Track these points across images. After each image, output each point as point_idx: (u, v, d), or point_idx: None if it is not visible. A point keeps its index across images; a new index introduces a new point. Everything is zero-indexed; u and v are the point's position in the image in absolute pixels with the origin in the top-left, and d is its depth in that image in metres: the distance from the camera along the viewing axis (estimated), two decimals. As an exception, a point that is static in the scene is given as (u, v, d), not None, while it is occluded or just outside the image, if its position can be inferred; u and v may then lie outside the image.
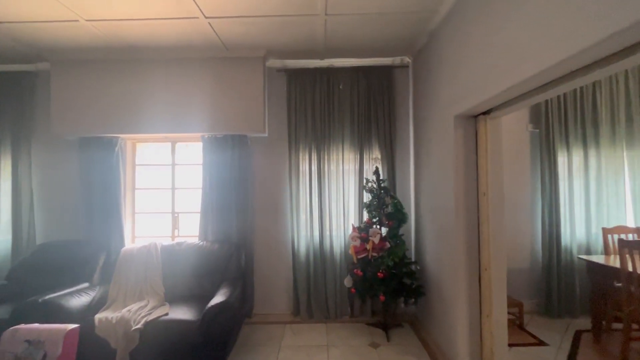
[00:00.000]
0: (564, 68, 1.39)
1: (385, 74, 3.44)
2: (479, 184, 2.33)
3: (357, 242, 3.03)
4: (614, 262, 2.73)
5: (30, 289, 2.79)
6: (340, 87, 3.44)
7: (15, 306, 2.45)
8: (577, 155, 3.44)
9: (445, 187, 2.54)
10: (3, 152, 3.43)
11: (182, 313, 2.52)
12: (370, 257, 2.98)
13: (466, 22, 2.17)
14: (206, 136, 3.32)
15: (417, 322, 3.28)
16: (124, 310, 2.57)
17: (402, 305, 3.41)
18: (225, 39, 2.98)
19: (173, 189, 3.63)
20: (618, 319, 2.68)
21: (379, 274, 2.87)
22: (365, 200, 3.36)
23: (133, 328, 2.34)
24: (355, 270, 3.03)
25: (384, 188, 3.11)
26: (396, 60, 3.47)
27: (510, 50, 1.67)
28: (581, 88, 3.42)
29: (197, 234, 3.36)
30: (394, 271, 2.93)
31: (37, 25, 2.69)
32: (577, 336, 2.96)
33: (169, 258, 3.09)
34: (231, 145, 3.31)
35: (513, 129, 3.56)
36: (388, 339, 2.97)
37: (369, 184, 3.16)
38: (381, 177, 3.22)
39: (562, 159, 3.43)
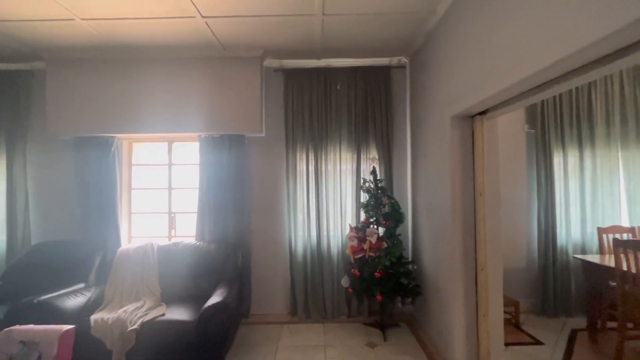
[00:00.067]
0: (559, 68, 1.40)
1: (382, 74, 3.45)
2: (475, 184, 2.34)
3: (355, 242, 3.03)
4: (609, 261, 2.75)
5: (25, 290, 2.76)
6: (338, 87, 3.44)
7: (9, 307, 2.43)
8: (573, 156, 3.46)
9: (442, 187, 2.55)
10: (-2, 151, 3.40)
11: (179, 313, 2.51)
12: (367, 257, 2.98)
13: (463, 22, 2.18)
14: (203, 136, 3.31)
15: (414, 322, 3.29)
16: (120, 310, 2.56)
17: (400, 305, 3.42)
18: (223, 38, 2.97)
19: (170, 189, 3.62)
20: (613, 318, 2.70)
21: (376, 273, 2.87)
22: (362, 200, 3.37)
23: (129, 329, 2.33)
24: (352, 270, 3.03)
25: (381, 188, 3.12)
26: (393, 60, 3.48)
27: (507, 50, 1.68)
28: (576, 89, 3.44)
29: (194, 234, 3.35)
30: (391, 271, 2.93)
31: (32, 23, 2.67)
32: (573, 335, 2.98)
33: (165, 258, 3.07)
34: (228, 145, 3.30)
35: (509, 130, 3.58)
36: (385, 339, 2.98)
37: (366, 184, 3.16)
38: (378, 177, 3.23)
39: (557, 160, 3.45)
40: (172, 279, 2.99)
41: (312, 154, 3.43)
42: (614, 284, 2.58)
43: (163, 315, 2.50)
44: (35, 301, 2.37)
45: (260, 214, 3.54)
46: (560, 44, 1.30)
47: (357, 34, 2.92)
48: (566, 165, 3.44)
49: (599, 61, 1.28)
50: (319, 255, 3.39)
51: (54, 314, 2.36)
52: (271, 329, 3.24)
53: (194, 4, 2.42)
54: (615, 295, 2.55)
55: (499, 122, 2.30)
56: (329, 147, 3.44)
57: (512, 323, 3.18)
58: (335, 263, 3.40)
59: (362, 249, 3.00)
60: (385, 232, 3.04)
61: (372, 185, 3.14)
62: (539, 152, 3.45)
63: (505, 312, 2.64)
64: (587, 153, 3.44)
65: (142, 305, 2.67)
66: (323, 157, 3.43)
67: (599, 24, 1.12)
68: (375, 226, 3.08)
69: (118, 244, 3.31)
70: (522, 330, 3.09)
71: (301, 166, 3.45)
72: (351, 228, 3.11)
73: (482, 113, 2.23)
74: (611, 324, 2.87)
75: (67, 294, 2.59)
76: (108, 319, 2.41)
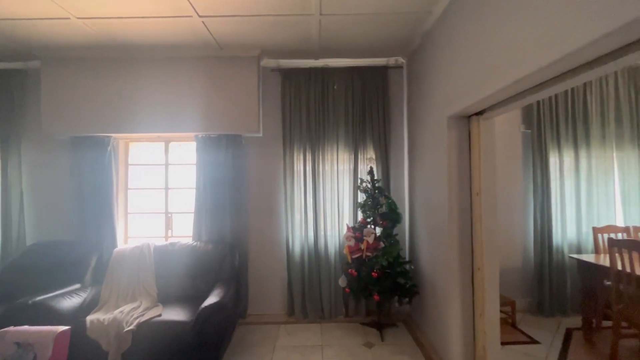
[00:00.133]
0: (555, 69, 1.41)
1: (379, 74, 3.45)
2: (472, 184, 2.35)
3: (352, 242, 3.03)
4: (604, 261, 2.77)
5: (20, 291, 2.74)
6: (335, 87, 3.44)
7: (4, 308, 2.41)
8: (568, 156, 3.49)
9: (439, 187, 2.56)
10: (-8, 151, 3.37)
11: (176, 314, 2.50)
12: (364, 256, 2.99)
13: (460, 23, 2.19)
14: (200, 136, 3.30)
15: (412, 322, 3.30)
16: (116, 311, 2.54)
17: (397, 304, 3.43)
18: (219, 38, 2.96)
19: (166, 189, 3.60)
20: (608, 317, 2.72)
21: (373, 273, 2.88)
22: (359, 200, 3.37)
23: (125, 329, 2.32)
24: (349, 270, 3.03)
25: (379, 188, 3.12)
26: (391, 60, 3.49)
27: (503, 51, 1.69)
28: (572, 89, 3.47)
29: (191, 234, 3.33)
30: (388, 271, 2.94)
31: (27, 22, 2.65)
32: (568, 334, 3.00)
33: (162, 258, 3.06)
34: (225, 145, 3.29)
35: (506, 130, 3.60)
36: (382, 339, 2.98)
37: (364, 184, 3.16)
38: (375, 177, 3.23)
39: (553, 160, 3.47)
40: (169, 280, 2.98)
41: (310, 154, 3.43)
42: (609, 283, 2.60)
43: (160, 315, 2.48)
44: (30, 302, 2.35)
45: (257, 214, 3.54)
46: (556, 45, 1.31)
47: (355, 34, 2.93)
48: (562, 166, 3.46)
49: (594, 62, 1.29)
50: (316, 255, 3.39)
51: (50, 315, 2.34)
52: (268, 329, 3.23)
53: (190, 4, 2.41)
54: (610, 295, 2.57)
55: (496, 123, 2.31)
56: (326, 147, 3.44)
57: (509, 322, 3.20)
58: (333, 263, 3.40)
59: (360, 249, 3.00)
60: (382, 232, 3.04)
61: (369, 185, 3.14)
62: (535, 153, 3.47)
63: (501, 312, 2.66)
64: (583, 153, 3.47)
65: (139, 306, 2.66)
66: (320, 157, 3.43)
67: (595, 25, 1.13)
68: (373, 226, 3.09)
69: (114, 244, 3.29)
70: (518, 330, 3.10)
71: (298, 166, 3.45)
72: (348, 228, 3.12)
73: (479, 113, 2.24)
74: (606, 323, 2.90)
75: (62, 295, 2.57)
76: (104, 319, 2.40)
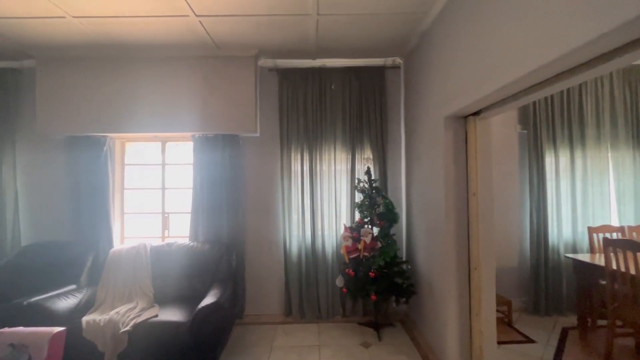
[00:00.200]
0: (552, 69, 1.41)
1: (377, 74, 3.46)
2: (468, 184, 2.35)
3: (349, 242, 3.03)
4: (599, 260, 2.79)
5: (15, 291, 2.71)
6: (332, 87, 3.44)
7: (-2, 309, 2.39)
8: (564, 156, 3.51)
9: (435, 187, 2.57)
10: (-14, 151, 3.34)
11: (172, 314, 2.49)
12: (361, 256, 2.99)
13: (456, 23, 2.19)
14: (197, 136, 3.29)
15: (409, 321, 3.31)
16: (112, 312, 2.53)
17: (394, 304, 3.43)
18: (217, 37, 2.95)
19: (163, 189, 3.59)
20: (603, 316, 2.74)
21: (370, 273, 2.88)
22: (357, 200, 3.38)
23: (121, 330, 2.30)
24: (347, 270, 3.03)
25: (376, 188, 3.13)
26: (388, 61, 3.49)
27: (500, 52, 1.70)
28: (568, 90, 3.49)
29: (188, 234, 3.32)
30: (385, 271, 2.95)
31: (21, 21, 2.63)
32: (564, 333, 3.02)
33: (158, 259, 3.04)
34: (222, 145, 3.28)
35: (502, 130, 3.61)
36: (380, 339, 2.99)
37: (361, 184, 3.17)
38: (373, 177, 3.24)
39: (549, 160, 3.50)
40: (166, 280, 2.96)
41: (307, 154, 3.43)
42: (604, 282, 2.62)
43: (156, 316, 2.47)
44: (25, 303, 2.33)
45: (254, 214, 3.53)
46: (552, 46, 1.32)
47: (352, 34, 2.93)
48: (558, 166, 3.49)
49: (590, 63, 1.30)
50: (313, 255, 3.39)
51: (45, 316, 2.32)
52: (265, 329, 3.23)
53: (187, 3, 2.41)
54: (605, 294, 2.59)
55: (492, 123, 2.32)
56: (323, 147, 3.44)
57: (505, 322, 3.22)
58: (330, 263, 3.40)
59: (357, 249, 3.01)
60: (379, 232, 3.05)
61: (366, 185, 3.15)
62: (531, 153, 3.49)
63: (498, 311, 2.67)
64: (578, 154, 3.50)
65: (135, 307, 2.64)
66: (318, 157, 3.43)
67: (591, 26, 1.14)
68: (370, 226, 3.09)
69: (110, 245, 3.27)
70: (515, 329, 3.12)
71: (296, 166, 3.44)
72: (346, 228, 3.12)
73: (476, 113, 2.25)
74: (601, 322, 2.92)
75: (58, 296, 2.55)
76: (100, 320, 2.39)
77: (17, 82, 3.38)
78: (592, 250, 3.20)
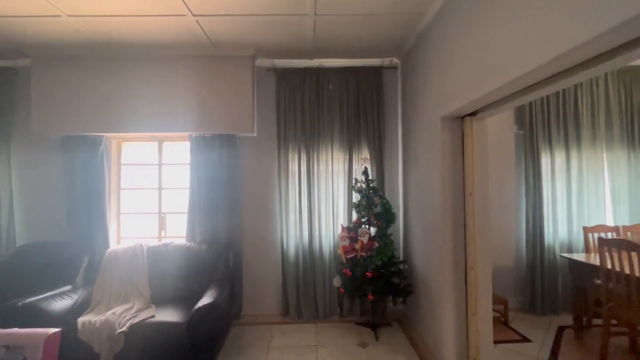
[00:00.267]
0: (548, 70, 1.42)
1: (374, 74, 3.46)
2: (465, 184, 2.36)
3: (346, 242, 3.04)
4: (594, 260, 2.81)
5: (10, 292, 2.69)
6: (330, 87, 3.44)
7: (-7, 310, 2.37)
8: (560, 157, 3.53)
9: (432, 187, 2.58)
10: (-20, 151, 3.30)
11: (169, 315, 2.48)
12: (359, 256, 2.99)
13: (454, 24, 2.20)
14: (194, 135, 3.28)
15: (406, 321, 3.32)
16: (108, 313, 2.52)
17: (391, 304, 3.43)
18: (214, 37, 2.95)
19: (160, 189, 3.57)
20: (598, 315, 2.76)
21: (367, 273, 2.89)
22: (354, 200, 3.38)
23: (118, 331, 2.29)
24: (344, 270, 3.03)
25: (373, 188, 3.13)
26: (385, 61, 3.50)
27: (497, 52, 1.70)
28: (563, 91, 3.52)
29: (185, 234, 3.31)
30: (382, 270, 2.95)
31: (16, 20, 2.60)
32: (560, 332, 3.04)
33: (155, 259, 3.03)
34: (219, 144, 3.28)
35: (498, 130, 3.63)
36: (377, 338, 2.99)
37: (358, 184, 3.17)
38: (370, 177, 3.24)
39: (545, 160, 3.52)
40: (162, 280, 2.95)
41: (304, 154, 3.42)
42: (599, 282, 2.64)
43: (153, 317, 2.46)
44: (20, 304, 2.31)
45: (252, 214, 3.52)
46: (548, 46, 1.33)
47: (349, 35, 2.93)
48: (553, 166, 3.51)
49: (586, 63, 1.31)
50: (311, 255, 3.39)
51: (40, 317, 2.31)
52: (263, 329, 3.22)
53: (184, 2, 2.40)
54: (600, 293, 2.61)
55: (489, 123, 2.33)
56: (321, 147, 3.44)
57: (501, 321, 3.23)
58: (327, 263, 3.41)
59: (354, 249, 3.01)
60: (376, 232, 3.05)
61: (363, 185, 3.15)
62: (527, 153, 3.52)
63: (494, 311, 2.68)
64: (574, 154, 3.52)
65: (131, 307, 2.63)
66: (315, 157, 3.43)
67: (586, 27, 1.15)
68: (367, 226, 3.10)
69: (106, 245, 3.25)
70: (511, 328, 3.14)
71: (293, 166, 3.44)
72: (343, 228, 3.12)
73: (472, 114, 2.26)
74: (596, 321, 2.94)
75: (53, 297, 2.54)
76: (96, 321, 2.37)
77: (12, 81, 3.34)
78: (587, 249, 3.22)
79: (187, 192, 3.32)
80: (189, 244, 3.12)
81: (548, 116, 3.51)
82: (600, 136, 3.53)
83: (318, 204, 3.42)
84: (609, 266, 2.50)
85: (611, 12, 1.05)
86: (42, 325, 2.17)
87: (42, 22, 2.65)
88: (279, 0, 2.39)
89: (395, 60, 3.49)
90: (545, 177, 3.50)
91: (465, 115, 2.32)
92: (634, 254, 2.36)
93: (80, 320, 2.39)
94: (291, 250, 3.40)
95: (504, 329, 3.13)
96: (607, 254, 2.51)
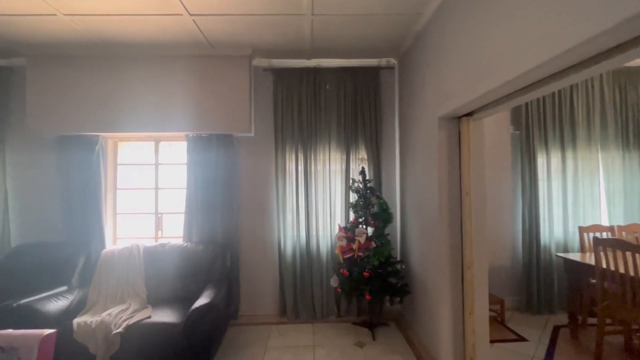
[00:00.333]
0: (543, 71, 1.43)
1: (371, 75, 3.47)
2: (462, 184, 2.37)
3: (344, 242, 3.04)
4: (590, 259, 2.83)
5: (5, 293, 2.66)
6: (327, 87, 3.45)
7: (-13, 311, 2.35)
8: (555, 157, 3.56)
9: (429, 187, 2.58)
10: (-25, 150, 3.27)
11: (165, 316, 2.47)
12: (356, 256, 3.00)
13: (450, 24, 2.21)
14: (191, 135, 3.27)
15: (403, 321, 3.32)
16: (104, 313, 2.50)
17: (388, 304, 3.45)
18: (211, 36, 2.94)
19: (156, 189, 3.56)
20: (593, 314, 2.79)
21: (364, 273, 2.89)
22: (351, 200, 3.38)
23: (114, 332, 2.28)
24: (341, 270, 3.04)
25: (370, 188, 3.13)
26: (382, 61, 3.51)
27: (493, 53, 1.71)
28: (559, 91, 3.54)
29: (181, 234, 3.30)
30: (379, 270, 2.96)
31: (11, 18, 2.58)
32: (555, 331, 3.06)
33: (152, 259, 3.02)
34: (216, 144, 3.27)
35: (495, 131, 3.65)
36: (374, 338, 2.99)
37: (355, 184, 3.18)
38: (367, 177, 3.25)
39: (541, 160, 3.54)
40: (159, 281, 2.94)
41: (302, 154, 3.42)
42: (594, 281, 2.66)
43: (149, 317, 2.45)
44: (14, 305, 2.30)
45: (249, 214, 3.52)
46: (544, 48, 1.33)
47: (347, 35, 2.93)
48: (549, 166, 3.53)
49: (581, 64, 1.32)
50: (308, 256, 3.39)
51: (35, 318, 2.29)
52: (260, 329, 3.22)
53: (181, 2, 2.39)
54: (595, 292, 2.63)
55: (485, 124, 2.34)
56: (318, 147, 3.44)
57: (498, 320, 3.25)
58: (325, 263, 3.41)
59: (351, 249, 3.01)
60: (374, 232, 3.06)
61: (361, 186, 3.15)
62: (523, 153, 3.53)
63: (490, 310, 2.69)
64: (569, 154, 3.55)
65: (127, 308, 2.62)
66: (312, 157, 3.43)
67: (581, 28, 1.16)
68: (364, 226, 3.10)
69: (102, 246, 3.23)
70: (507, 328, 3.15)
71: (290, 166, 3.44)
72: (340, 228, 3.12)
73: (469, 114, 2.27)
74: (592, 320, 2.96)
75: (48, 297, 2.52)
76: (91, 322, 2.36)
77: (7, 80, 3.32)
78: (582, 249, 3.24)
79: (184, 192, 3.31)
80: (185, 244, 3.11)
81: (544, 117, 3.53)
82: (596, 137, 3.55)
83: (315, 204, 3.42)
84: (604, 266, 2.52)
85: (606, 14, 1.06)
86: (37, 326, 2.16)
87: (37, 21, 2.63)
88: (277, 0, 2.39)
89: (393, 61, 3.50)
90: (541, 177, 3.53)
91: (462, 116, 2.33)
92: (628, 254, 2.38)
93: (76, 321, 2.37)
94: (288, 250, 3.40)
95: (500, 328, 3.14)
96: (602, 253, 2.53)
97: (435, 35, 2.47)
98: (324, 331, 3.16)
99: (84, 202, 3.20)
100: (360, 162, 3.43)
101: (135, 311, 2.57)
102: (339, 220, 3.44)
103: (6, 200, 3.30)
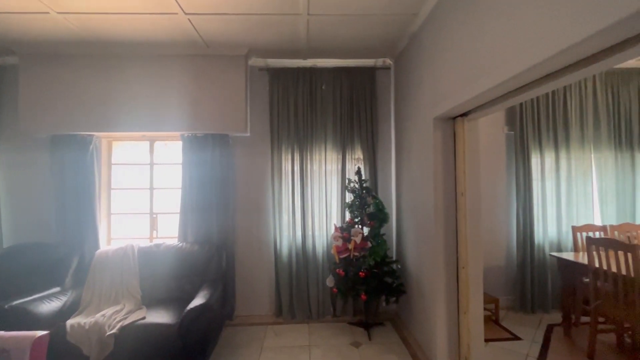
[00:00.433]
0: (537, 72, 1.45)
1: (367, 75, 3.47)
2: (457, 184, 2.39)
3: (340, 242, 3.04)
4: (583, 258, 2.86)
5: (-4, 295, 2.64)
6: (323, 87, 3.44)
7: (-22, 313, 2.31)
8: (549, 157, 3.59)
9: (424, 187, 2.59)
10: (-34, 150, 3.23)
11: (160, 316, 2.46)
12: (352, 256, 3.00)
13: (446, 25, 2.22)
14: (186, 135, 3.25)
15: (398, 320, 3.33)
16: (98, 315, 2.48)
17: (384, 304, 3.44)
18: (206, 36, 2.92)
19: (151, 189, 3.53)
20: (586, 313, 2.82)
21: (360, 273, 2.90)
22: (347, 200, 3.39)
23: (107, 333, 2.26)
24: (337, 270, 3.04)
25: (366, 188, 3.14)
26: (378, 61, 3.51)
27: (488, 54, 1.72)
28: (553, 92, 3.57)
29: (177, 235, 3.28)
30: (375, 270, 2.96)
31: (3, 16, 2.55)
32: (549, 330, 3.09)
33: (146, 260, 2.99)
34: (212, 144, 3.25)
35: (490, 131, 3.67)
36: (370, 338, 3.00)
37: (351, 184, 3.18)
38: (363, 177, 3.26)
39: (535, 160, 3.57)
40: (154, 282, 2.92)
41: (298, 154, 3.42)
42: (587, 280, 2.69)
43: (143, 318, 2.43)
44: (6, 306, 2.27)
45: (244, 214, 3.50)
46: (538, 49, 1.34)
47: (343, 35, 2.93)
48: (543, 166, 3.56)
49: (575, 65, 1.33)
50: (304, 256, 3.39)
51: (27, 320, 2.26)
52: (256, 330, 3.21)
53: (176, 0, 2.37)
54: (588, 291, 2.66)
55: (480, 124, 2.36)
56: (314, 147, 3.44)
57: (492, 319, 3.27)
58: (320, 263, 3.41)
59: (347, 249, 3.02)
60: (369, 232, 3.06)
61: (356, 186, 3.16)
62: (517, 154, 3.56)
63: (485, 309, 2.71)
64: (563, 155, 3.58)
65: (122, 309, 2.59)
66: (308, 157, 3.42)
67: (575, 29, 1.17)
68: (360, 226, 3.11)
69: (96, 246, 3.20)
70: (502, 327, 3.18)
71: (286, 166, 3.43)
72: (336, 228, 3.12)
73: (464, 115, 2.28)
74: (585, 319, 2.99)
75: (41, 299, 2.49)
76: (85, 323, 2.33)
77: (-2, 79, 3.28)
78: (576, 249, 3.28)
79: (179, 192, 3.29)
80: (180, 244, 3.09)
81: (538, 117, 3.56)
82: (589, 137, 3.59)
83: (311, 204, 3.41)
84: (597, 265, 2.55)
85: (600, 15, 1.07)
86: (29, 328, 2.13)
87: (29, 19, 2.60)
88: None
89: (389, 61, 3.51)
90: (535, 177, 3.56)
91: (457, 116, 2.34)
92: (620, 253, 2.41)
93: (69, 322, 2.35)
94: (284, 250, 3.39)
95: (495, 327, 3.17)
96: (595, 253, 2.56)
97: (430, 35, 2.48)
98: (319, 331, 3.16)
99: (77, 202, 3.17)
100: (356, 162, 3.43)
101: (130, 312, 2.55)
102: (335, 220, 3.44)
103: (-2, 201, 3.25)
